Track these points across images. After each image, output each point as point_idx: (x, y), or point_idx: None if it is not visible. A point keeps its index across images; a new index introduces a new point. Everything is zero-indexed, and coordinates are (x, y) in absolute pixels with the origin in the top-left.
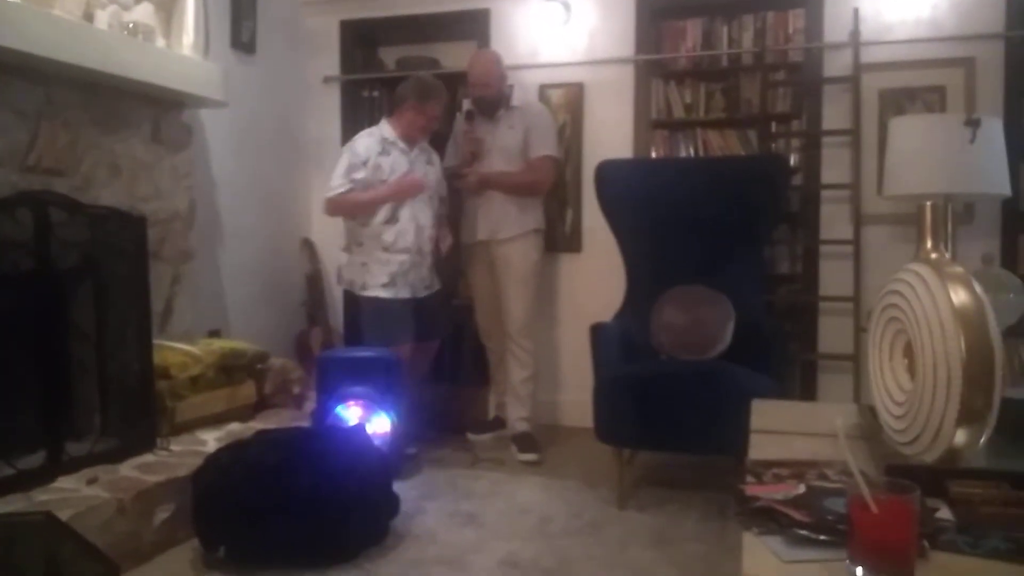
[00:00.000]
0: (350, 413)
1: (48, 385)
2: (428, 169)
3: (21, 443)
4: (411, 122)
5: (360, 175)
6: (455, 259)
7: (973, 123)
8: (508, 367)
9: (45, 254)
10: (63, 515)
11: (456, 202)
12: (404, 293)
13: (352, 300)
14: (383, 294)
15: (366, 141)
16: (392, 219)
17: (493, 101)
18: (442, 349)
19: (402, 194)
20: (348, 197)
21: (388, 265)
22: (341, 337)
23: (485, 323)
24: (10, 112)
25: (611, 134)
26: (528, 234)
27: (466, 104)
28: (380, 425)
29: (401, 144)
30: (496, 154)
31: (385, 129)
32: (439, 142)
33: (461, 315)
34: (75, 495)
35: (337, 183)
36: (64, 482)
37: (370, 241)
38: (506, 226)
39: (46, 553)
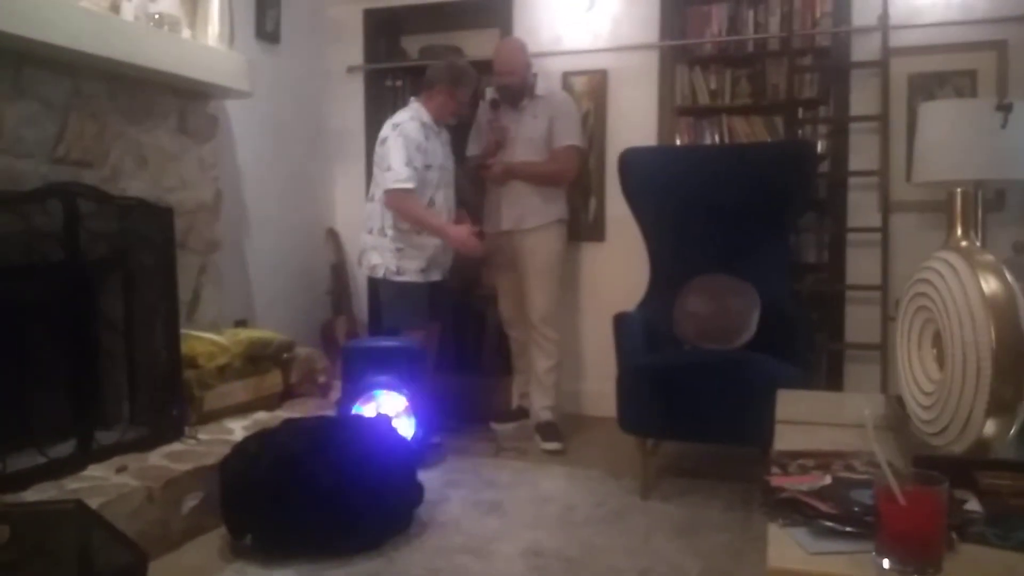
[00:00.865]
0: (379, 402)
1: (78, 374)
2: (449, 152)
3: (52, 432)
4: (442, 105)
5: (418, 162)
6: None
7: (1005, 108)
8: (532, 357)
9: (74, 245)
10: (93, 503)
11: (480, 192)
12: (435, 276)
13: (375, 285)
14: (419, 279)
15: (412, 125)
16: (430, 203)
17: (517, 89)
18: (454, 330)
19: (455, 244)
20: (412, 205)
21: (424, 250)
22: (366, 326)
23: (508, 313)
24: (39, 104)
25: (635, 121)
26: (552, 224)
27: (489, 93)
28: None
29: (434, 127)
30: (520, 144)
31: (422, 112)
32: (462, 130)
33: (484, 305)
34: (105, 483)
35: (404, 175)
36: (94, 470)
37: (409, 225)
38: (530, 216)
39: (78, 541)
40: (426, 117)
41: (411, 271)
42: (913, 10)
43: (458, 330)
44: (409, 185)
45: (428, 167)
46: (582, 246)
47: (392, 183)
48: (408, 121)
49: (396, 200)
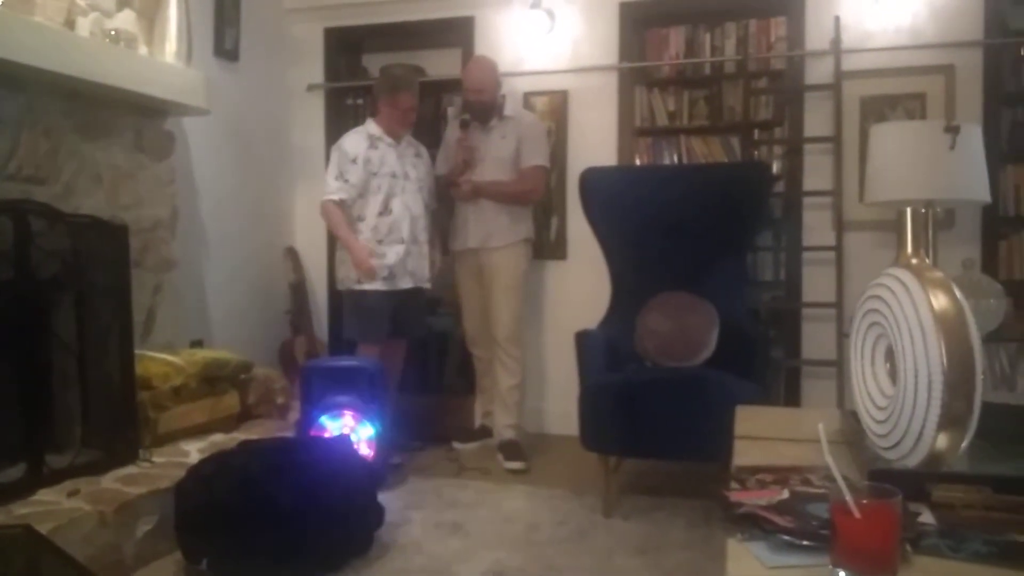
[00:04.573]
0: (339, 423)
1: (28, 396)
2: (417, 162)
3: (0, 455)
4: (389, 116)
5: (352, 175)
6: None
7: (953, 130)
8: (496, 374)
9: (25, 263)
10: (44, 528)
11: (448, 209)
12: (404, 283)
13: (338, 303)
14: (381, 287)
15: (353, 138)
16: (385, 211)
17: (486, 108)
18: (415, 349)
19: (357, 264)
20: (331, 214)
21: (385, 258)
22: (325, 346)
23: (473, 330)
24: None
25: (595, 141)
26: (518, 243)
27: (451, 112)
28: (364, 434)
29: (387, 139)
30: (488, 163)
31: (371, 126)
32: (430, 145)
33: (446, 323)
34: (56, 508)
35: (333, 187)
36: (45, 495)
37: (367, 235)
38: (497, 235)
39: (27, 567)
40: (375, 130)
41: (375, 280)
42: (865, 35)
43: (421, 348)
44: (335, 197)
45: (374, 175)
46: (545, 264)
47: (324, 196)
48: (349, 135)
49: (323, 210)
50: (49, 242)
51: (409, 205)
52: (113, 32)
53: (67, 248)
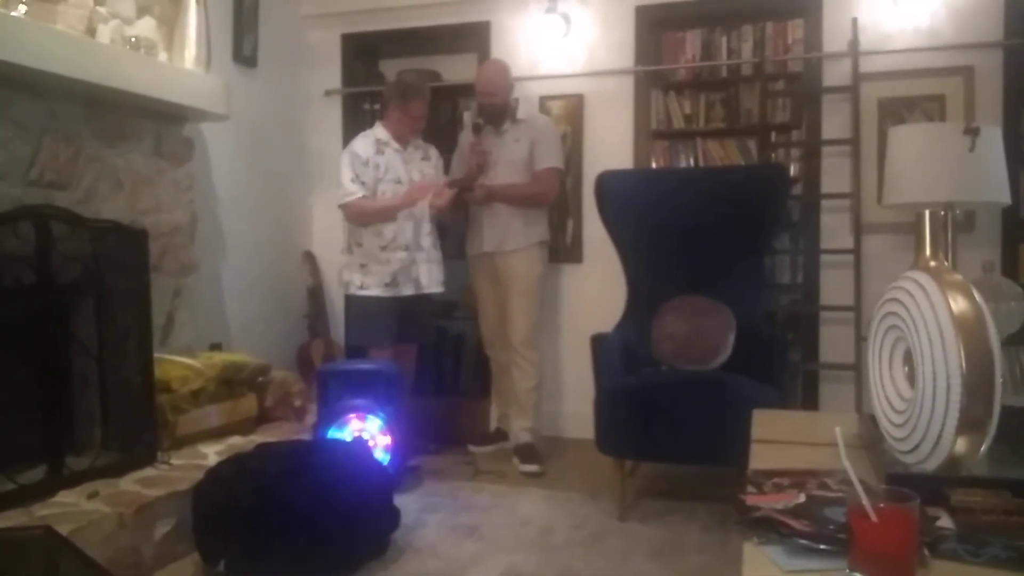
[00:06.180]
0: (355, 426)
1: (49, 399)
2: (424, 165)
3: (22, 457)
4: (398, 122)
5: (366, 176)
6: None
7: (972, 131)
8: (512, 378)
9: (47, 268)
10: (63, 530)
11: (463, 213)
12: (407, 290)
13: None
14: (384, 293)
15: (362, 142)
16: (389, 216)
17: (499, 111)
18: (431, 353)
19: (410, 200)
20: (362, 204)
21: (388, 264)
22: (342, 349)
23: (489, 334)
24: (12, 126)
25: (611, 145)
26: (533, 246)
27: (467, 117)
28: (380, 437)
29: (394, 144)
30: (502, 166)
31: (379, 131)
32: (446, 151)
33: (463, 326)
34: (76, 509)
35: (349, 188)
36: (65, 496)
37: (369, 240)
38: (512, 238)
39: (46, 568)
40: (382, 135)
41: (374, 286)
42: (882, 37)
43: (436, 351)
44: (355, 196)
45: (379, 180)
46: (560, 267)
47: (341, 200)
48: (358, 139)
49: (350, 212)
50: (70, 247)
51: (413, 211)
52: (133, 39)
53: (88, 253)
